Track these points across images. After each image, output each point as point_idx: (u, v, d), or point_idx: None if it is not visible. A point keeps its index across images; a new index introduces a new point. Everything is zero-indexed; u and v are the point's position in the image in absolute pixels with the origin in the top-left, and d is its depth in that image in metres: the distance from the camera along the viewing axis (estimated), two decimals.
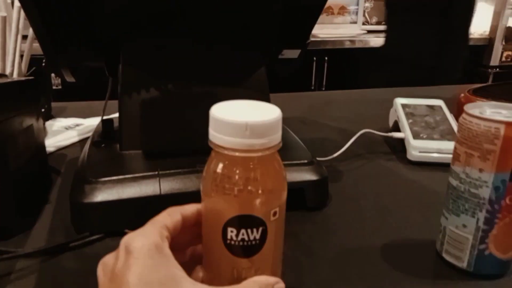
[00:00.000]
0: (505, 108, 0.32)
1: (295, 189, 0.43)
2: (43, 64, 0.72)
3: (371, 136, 0.61)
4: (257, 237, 0.24)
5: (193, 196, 0.39)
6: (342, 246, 0.37)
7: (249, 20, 0.50)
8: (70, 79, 0.54)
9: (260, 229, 0.23)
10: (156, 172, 0.40)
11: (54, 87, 1.67)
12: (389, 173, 0.53)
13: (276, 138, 0.23)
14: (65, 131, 0.64)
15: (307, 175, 0.43)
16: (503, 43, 2.20)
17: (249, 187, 0.23)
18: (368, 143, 0.62)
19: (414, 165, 0.55)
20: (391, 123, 0.66)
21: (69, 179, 0.43)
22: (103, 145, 0.47)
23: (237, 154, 0.22)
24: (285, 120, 0.80)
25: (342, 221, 0.42)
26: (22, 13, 0.49)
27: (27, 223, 0.40)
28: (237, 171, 0.23)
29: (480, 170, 0.31)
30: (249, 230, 0.23)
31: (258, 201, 0.23)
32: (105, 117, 0.54)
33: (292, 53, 0.58)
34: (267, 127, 0.22)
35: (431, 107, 0.63)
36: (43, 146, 0.51)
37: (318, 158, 0.53)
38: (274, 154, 0.24)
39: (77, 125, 0.67)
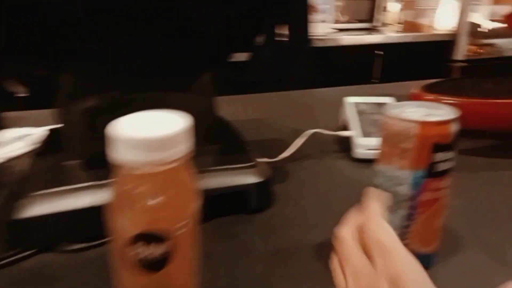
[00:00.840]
0: (425, 106, 0.34)
1: (237, 192, 0.44)
2: None
3: (322, 135, 0.62)
4: (163, 251, 0.24)
5: None
6: (280, 245, 0.38)
7: (194, 24, 0.50)
8: (19, 90, 0.53)
9: (165, 244, 0.24)
10: (94, 183, 0.40)
11: (20, 95, 1.63)
12: (335, 172, 0.54)
13: (177, 151, 0.23)
14: (14, 141, 0.63)
15: (249, 178, 0.44)
16: (468, 37, 2.26)
17: (151, 203, 0.23)
18: (319, 142, 0.63)
19: (360, 162, 0.57)
20: (340, 121, 0.67)
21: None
22: (45, 155, 0.47)
23: (137, 170, 0.22)
24: (242, 122, 0.80)
25: (282, 221, 0.43)
26: None
27: None
28: (138, 187, 0.23)
29: (399, 168, 0.33)
30: (153, 246, 0.23)
31: (161, 216, 0.23)
32: (54, 126, 0.53)
33: (242, 56, 0.59)
34: (165, 141, 0.22)
35: (379, 105, 0.65)
36: None
37: (267, 160, 0.54)
38: (179, 167, 0.24)
39: (28, 135, 0.66)
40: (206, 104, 0.50)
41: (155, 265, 0.24)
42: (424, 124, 0.31)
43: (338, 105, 0.77)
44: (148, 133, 0.22)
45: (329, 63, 2.19)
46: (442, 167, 0.31)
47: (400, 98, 0.69)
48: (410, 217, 0.33)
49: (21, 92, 0.52)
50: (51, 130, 0.51)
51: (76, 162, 0.44)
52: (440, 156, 0.31)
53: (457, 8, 2.25)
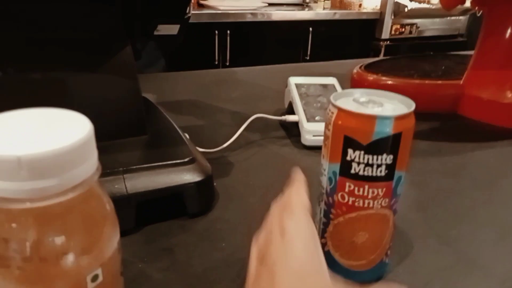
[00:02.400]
0: (377, 95, 0.29)
1: (173, 194, 0.37)
2: None
3: (266, 119, 0.56)
4: None
5: None
6: (226, 260, 0.32)
7: None
8: None
9: None
10: None
11: None
12: (282, 161, 0.49)
13: (79, 173, 0.15)
14: None
15: (187, 177, 0.37)
16: (392, 17, 2.34)
17: (41, 254, 0.15)
18: (262, 127, 0.57)
19: (309, 149, 0.52)
20: (286, 104, 0.62)
21: None
22: None
23: (11, 205, 0.14)
24: (175, 104, 0.72)
25: (228, 226, 0.36)
26: None
27: None
28: (19, 232, 0.14)
29: (322, 156, 0.29)
30: None
31: (59, 271, 0.15)
32: None
33: (170, 29, 0.50)
34: (58, 160, 0.14)
35: (324, 86, 0.60)
36: None
37: (206, 150, 0.47)
38: (85, 193, 0.16)
39: None
40: (128, 85, 0.41)
41: None
42: (341, 111, 0.26)
43: (278, 84, 0.71)
44: (31, 148, 0.14)
45: (261, 38, 2.13)
46: (358, 169, 0.26)
47: (340, 77, 0.65)
48: (326, 214, 0.29)
49: None
50: None
51: None
52: (353, 154, 0.26)
53: None
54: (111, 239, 0.17)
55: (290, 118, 0.54)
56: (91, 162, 0.15)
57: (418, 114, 0.26)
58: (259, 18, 2.05)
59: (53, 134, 0.15)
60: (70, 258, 0.15)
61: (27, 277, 0.15)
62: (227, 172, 0.46)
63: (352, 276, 0.29)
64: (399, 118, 0.25)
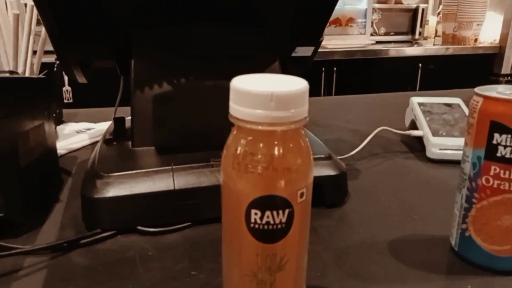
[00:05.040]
0: None
1: (314, 185, 0.42)
2: (55, 69, 0.73)
3: (387, 136, 0.60)
4: (283, 220, 0.22)
5: (207, 191, 0.38)
6: (363, 241, 0.35)
7: (263, 15, 0.49)
8: (81, 79, 0.53)
9: (286, 211, 0.22)
10: (170, 167, 0.39)
11: (65, 101, 1.68)
12: (408, 171, 0.51)
13: (303, 111, 0.21)
14: (76, 134, 0.63)
15: (325, 170, 0.42)
16: None
17: (274, 165, 0.21)
18: (384, 143, 0.60)
19: (434, 163, 0.53)
20: (407, 123, 0.64)
21: (80, 179, 0.42)
22: (114, 142, 0.46)
23: (260, 127, 0.21)
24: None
25: (363, 217, 0.40)
26: (35, 12, 0.49)
27: (37, 220, 0.39)
28: (261, 147, 0.21)
29: (465, 144, 0.31)
30: (274, 212, 0.22)
31: (284, 180, 0.21)
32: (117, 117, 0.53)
33: (305, 51, 0.57)
34: (293, 98, 0.20)
35: (448, 105, 0.61)
36: (54, 146, 0.50)
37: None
38: (300, 130, 0.22)
39: (88, 129, 0.66)
40: None
41: (274, 234, 0.22)
42: (487, 99, 0.29)
43: (394, 108, 0.74)
44: (277, 88, 0.20)
45: (367, 75, 2.16)
46: (504, 152, 0.28)
47: (465, 101, 0.65)
48: (469, 199, 0.30)
49: (82, 81, 0.52)
50: (115, 120, 0.51)
51: (148, 148, 0.43)
52: (499, 138, 0.28)
53: (501, 20, 2.18)
54: (312, 169, 0.23)
55: (415, 133, 0.57)
56: (307, 106, 0.22)
57: None
58: (366, 55, 2.09)
59: (287, 83, 0.21)
60: (292, 172, 0.21)
61: (263, 181, 0.21)
62: (355, 176, 0.49)
63: (495, 261, 0.30)
64: None
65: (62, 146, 0.58)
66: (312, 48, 0.57)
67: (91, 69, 0.54)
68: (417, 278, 0.30)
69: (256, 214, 0.21)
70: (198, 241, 0.35)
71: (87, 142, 0.61)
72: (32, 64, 0.51)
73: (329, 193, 0.41)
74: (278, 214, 0.22)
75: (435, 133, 0.55)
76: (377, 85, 2.16)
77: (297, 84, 0.21)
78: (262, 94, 0.20)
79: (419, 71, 2.17)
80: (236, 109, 0.21)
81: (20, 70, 0.49)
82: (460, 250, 0.32)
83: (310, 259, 0.32)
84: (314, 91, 2.06)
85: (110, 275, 0.31)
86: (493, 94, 0.29)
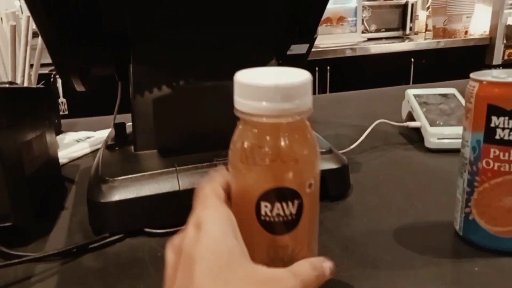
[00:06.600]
0: None
1: None
2: (52, 79, 0.73)
3: (385, 129, 0.60)
4: (293, 211, 0.22)
5: None
6: (369, 231, 0.36)
7: (259, 13, 0.50)
8: (79, 87, 0.54)
9: (296, 202, 0.22)
10: (174, 168, 0.39)
11: (61, 113, 1.68)
12: (408, 161, 0.52)
13: (307, 102, 0.22)
14: (76, 143, 0.64)
15: (328, 164, 0.42)
16: (504, 41, 2.20)
17: (282, 157, 0.21)
18: (383, 135, 0.61)
19: (433, 152, 0.54)
20: (404, 115, 0.65)
21: (84, 186, 0.42)
22: (116, 148, 0.47)
23: (265, 120, 0.21)
24: None
25: (367, 208, 0.40)
26: (31, 23, 0.50)
27: (45, 227, 0.39)
28: (268, 140, 0.21)
29: (464, 129, 0.32)
30: (284, 204, 0.22)
31: (292, 171, 0.22)
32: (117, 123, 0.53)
33: (300, 49, 0.58)
34: (297, 90, 0.21)
35: (444, 95, 0.62)
36: (56, 155, 0.51)
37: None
38: (305, 122, 0.22)
39: (88, 137, 0.67)
40: None
41: (284, 225, 0.22)
42: (484, 83, 0.29)
43: (389, 102, 0.75)
44: (281, 80, 0.21)
45: (360, 73, 2.17)
46: (503, 134, 0.28)
47: (460, 91, 0.66)
48: (471, 183, 0.31)
49: (80, 89, 0.52)
50: (116, 126, 0.51)
51: (151, 152, 0.44)
52: (497, 120, 0.28)
53: (490, 12, 2.20)
54: (318, 160, 0.23)
55: (412, 124, 0.57)
56: (311, 97, 0.22)
57: None
58: (358, 53, 2.10)
59: (290, 75, 0.22)
60: (299, 163, 0.22)
61: (271, 174, 0.21)
62: (356, 169, 0.50)
63: (500, 242, 0.31)
64: None
65: (63, 155, 0.58)
66: (306, 46, 0.57)
67: (89, 77, 0.54)
68: (424, 262, 0.31)
69: (266, 206, 0.22)
70: None
71: (87, 150, 0.61)
72: (30, 75, 0.51)
73: (332, 186, 0.42)
74: (288, 205, 0.22)
75: (432, 123, 0.55)
76: (371, 82, 2.17)
77: (300, 76, 0.21)
78: (266, 87, 0.20)
79: (412, 66, 2.19)
80: (241, 102, 0.21)
81: (19, 81, 0.49)
82: (465, 233, 0.33)
83: (318, 249, 0.32)
84: None
85: (123, 276, 0.31)
86: (489, 78, 0.29)
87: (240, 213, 0.23)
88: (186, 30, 0.46)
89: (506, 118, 0.28)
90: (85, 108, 1.12)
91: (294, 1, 0.49)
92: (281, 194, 0.22)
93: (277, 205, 0.22)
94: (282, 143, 0.21)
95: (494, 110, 0.29)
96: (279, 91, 0.20)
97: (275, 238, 0.23)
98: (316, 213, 0.25)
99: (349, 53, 2.10)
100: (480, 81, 0.29)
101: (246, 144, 0.22)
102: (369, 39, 2.28)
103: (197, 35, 0.47)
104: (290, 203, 0.22)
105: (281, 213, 0.22)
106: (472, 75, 0.31)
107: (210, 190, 0.23)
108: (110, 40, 0.47)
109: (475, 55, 2.27)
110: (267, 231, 0.22)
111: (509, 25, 2.14)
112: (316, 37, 0.58)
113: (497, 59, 2.23)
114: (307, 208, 0.23)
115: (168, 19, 0.46)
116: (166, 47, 0.47)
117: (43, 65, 0.60)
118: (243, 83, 0.21)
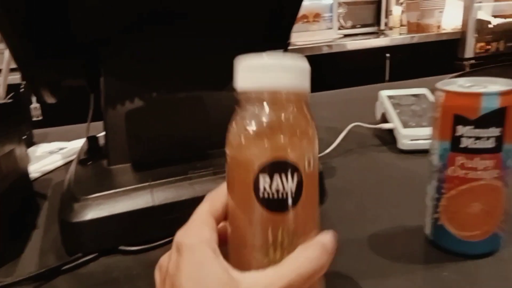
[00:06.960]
0: (480, 81, 0.32)
1: None
2: (21, 90, 0.71)
3: (360, 131, 0.61)
4: (293, 188, 0.22)
5: (187, 204, 0.38)
6: (344, 239, 0.36)
7: (232, 24, 0.50)
8: (49, 99, 0.52)
9: (295, 177, 0.22)
10: (148, 183, 0.38)
11: (34, 119, 1.64)
12: (382, 165, 0.53)
13: (305, 81, 0.23)
14: (49, 155, 0.62)
15: None
16: (475, 35, 2.26)
17: (282, 129, 0.22)
18: (357, 138, 0.62)
19: (406, 154, 0.55)
20: (378, 116, 0.66)
21: (56, 203, 0.41)
22: (89, 162, 0.46)
23: (265, 94, 0.22)
24: None
25: (341, 215, 0.41)
26: None
27: (16, 248, 0.38)
28: (268, 112, 0.22)
29: (432, 138, 0.33)
30: (283, 177, 0.22)
31: (291, 144, 0.22)
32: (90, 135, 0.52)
33: None
34: (294, 66, 0.23)
35: (416, 96, 0.63)
36: (26, 171, 0.49)
37: None
38: (302, 101, 0.23)
39: (61, 148, 0.65)
40: None
41: (284, 202, 0.22)
42: (449, 93, 0.30)
43: (365, 102, 0.76)
44: (278, 59, 0.22)
45: (337, 69, 2.19)
46: (468, 143, 0.29)
47: (433, 90, 0.68)
48: (439, 190, 0.32)
49: (51, 101, 0.51)
50: (89, 139, 0.50)
51: (125, 166, 0.43)
52: (462, 130, 0.29)
53: (461, 6, 2.26)
54: (316, 140, 0.23)
55: (386, 126, 0.58)
56: (308, 82, 0.23)
57: None
58: (335, 49, 2.12)
59: (286, 56, 0.22)
60: (298, 136, 0.22)
61: (270, 146, 0.22)
62: (331, 174, 0.51)
63: (467, 246, 0.32)
64: (504, 94, 0.28)
65: (35, 169, 0.57)
66: (281, 51, 0.57)
67: (60, 88, 0.53)
68: (398, 271, 0.32)
69: (265, 180, 0.21)
70: None
71: (60, 162, 0.60)
72: None
73: None
74: (287, 180, 0.22)
75: (405, 125, 0.57)
76: (348, 79, 2.19)
77: (296, 56, 0.23)
78: (265, 64, 0.22)
79: (387, 61, 2.22)
80: (241, 81, 0.23)
81: None
82: (435, 238, 0.33)
83: None
84: None
85: None
86: (454, 88, 0.30)
87: (238, 193, 0.23)
88: (158, 41, 0.46)
89: (471, 127, 0.29)
90: (60, 113, 1.09)
91: (268, 11, 0.49)
92: (280, 166, 0.22)
93: (276, 178, 0.22)
94: (282, 116, 0.22)
95: (459, 119, 0.29)
96: (277, 66, 0.22)
97: (274, 218, 0.22)
98: (316, 201, 0.24)
99: (325, 50, 2.11)
100: (446, 92, 0.30)
101: (246, 119, 0.22)
102: (345, 36, 2.30)
103: (169, 46, 0.47)
104: (290, 178, 0.22)
105: (280, 188, 0.22)
106: (438, 84, 0.31)
107: (203, 209, 0.24)
108: (80, 52, 0.46)
109: (448, 49, 2.32)
110: (266, 209, 0.22)
111: (479, 19, 2.20)
112: (290, 43, 0.58)
113: (469, 52, 2.28)
114: (306, 189, 0.22)
115: (139, 31, 0.45)
116: (137, 59, 0.46)
117: (13, 70, 0.58)
118: (242, 63, 0.23)
